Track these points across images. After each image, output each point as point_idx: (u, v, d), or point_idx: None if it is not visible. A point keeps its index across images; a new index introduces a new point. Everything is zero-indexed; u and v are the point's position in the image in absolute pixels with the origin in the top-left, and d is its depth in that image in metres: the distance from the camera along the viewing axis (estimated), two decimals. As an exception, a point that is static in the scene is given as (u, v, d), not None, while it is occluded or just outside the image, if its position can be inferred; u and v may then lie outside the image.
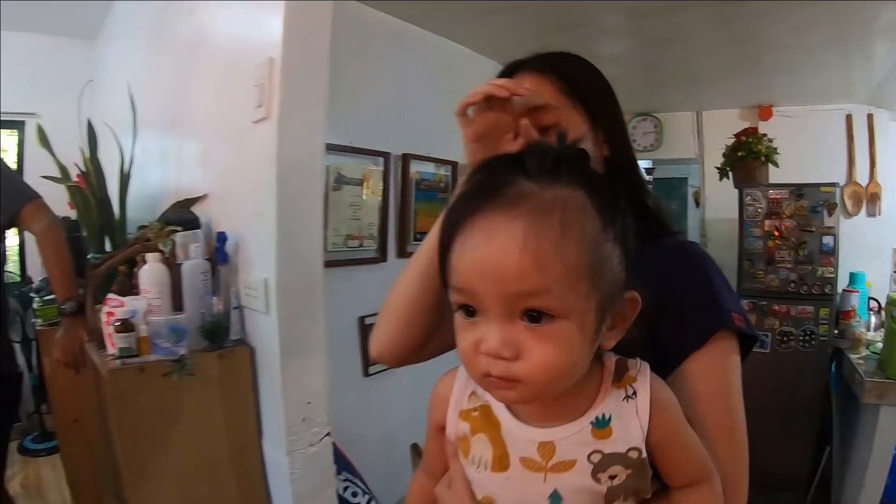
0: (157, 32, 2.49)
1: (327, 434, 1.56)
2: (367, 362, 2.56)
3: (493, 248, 0.50)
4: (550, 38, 2.85)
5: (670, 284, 0.70)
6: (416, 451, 2.75)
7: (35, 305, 2.62)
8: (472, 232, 0.52)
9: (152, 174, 2.33)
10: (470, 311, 0.53)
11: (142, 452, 1.46)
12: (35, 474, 3.21)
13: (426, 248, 0.78)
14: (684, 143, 4.30)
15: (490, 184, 0.53)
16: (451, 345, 0.76)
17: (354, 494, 2.05)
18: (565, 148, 0.55)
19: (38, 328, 2.41)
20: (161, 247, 1.56)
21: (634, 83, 3.56)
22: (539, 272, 0.49)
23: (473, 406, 0.62)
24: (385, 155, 2.59)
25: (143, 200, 2.33)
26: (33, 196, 1.85)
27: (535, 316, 0.50)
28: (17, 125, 4.03)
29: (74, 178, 2.42)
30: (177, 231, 1.61)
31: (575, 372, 0.54)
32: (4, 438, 1.99)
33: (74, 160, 2.41)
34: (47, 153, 2.34)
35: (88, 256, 2.18)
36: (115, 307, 1.49)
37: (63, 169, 2.34)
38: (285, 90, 1.41)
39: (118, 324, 1.47)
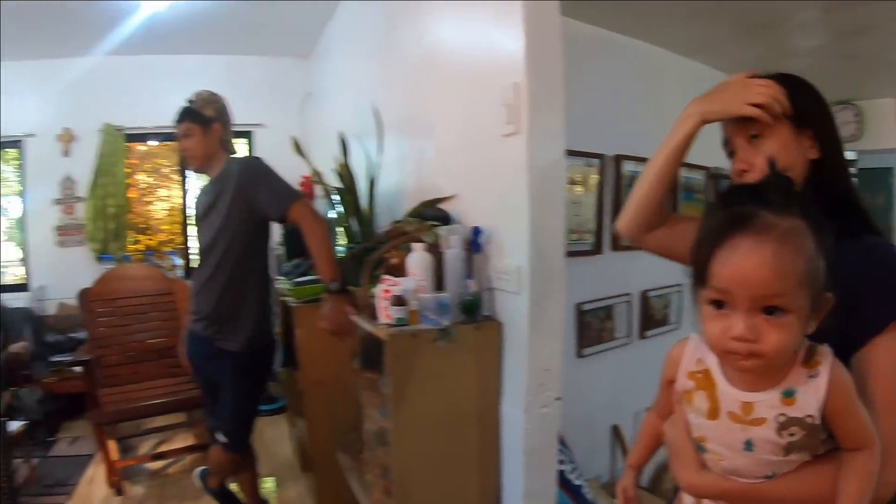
0: (383, 53, 2.86)
1: (557, 398, 1.79)
2: (580, 345, 2.75)
3: (749, 264, 0.70)
4: (747, 38, 2.86)
5: (860, 281, 0.83)
6: (615, 432, 2.91)
7: (286, 286, 3.13)
8: (731, 250, 0.72)
9: (389, 176, 2.69)
10: (718, 305, 0.74)
11: (409, 402, 1.78)
12: (259, 431, 3.84)
13: (663, 156, 1.05)
14: (888, 131, 3.97)
15: (742, 214, 0.72)
16: (662, 251, 1.12)
17: (561, 462, 2.27)
18: (778, 177, 0.76)
19: (292, 305, 2.87)
20: (425, 238, 1.91)
21: (831, 74, 3.40)
22: (780, 281, 0.69)
23: (699, 369, 0.84)
24: (599, 156, 2.78)
25: (380, 198, 2.71)
26: (299, 195, 2.14)
27: (771, 310, 0.71)
28: (247, 135, 4.81)
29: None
30: (435, 225, 1.96)
31: (792, 350, 0.74)
32: (258, 396, 2.35)
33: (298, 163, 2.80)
34: (277, 159, 2.60)
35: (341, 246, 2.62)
36: (391, 286, 1.82)
37: (316, 172, 2.83)
38: (531, 109, 1.65)
39: (394, 299, 1.80)
